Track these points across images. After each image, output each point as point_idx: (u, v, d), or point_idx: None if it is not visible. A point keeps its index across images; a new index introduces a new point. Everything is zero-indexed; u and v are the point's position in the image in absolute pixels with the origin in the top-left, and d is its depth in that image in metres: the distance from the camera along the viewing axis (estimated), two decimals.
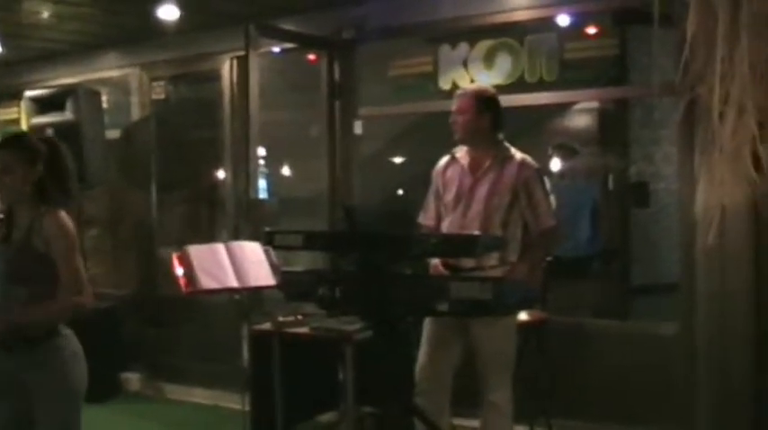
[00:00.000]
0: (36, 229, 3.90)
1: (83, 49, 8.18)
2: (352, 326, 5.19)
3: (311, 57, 7.24)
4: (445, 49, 6.57)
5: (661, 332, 5.73)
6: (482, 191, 4.94)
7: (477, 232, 4.71)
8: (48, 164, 3.99)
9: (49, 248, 3.88)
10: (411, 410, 4.34)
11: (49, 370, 3.92)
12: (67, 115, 7.43)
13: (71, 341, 4.01)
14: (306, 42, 7.01)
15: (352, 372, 5.19)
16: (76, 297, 3.92)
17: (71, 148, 6.96)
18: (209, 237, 7.01)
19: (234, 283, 5.37)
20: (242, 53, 6.58)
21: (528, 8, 6.11)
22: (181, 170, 7.88)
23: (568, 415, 5.65)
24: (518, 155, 5.00)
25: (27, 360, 3.89)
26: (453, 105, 5.05)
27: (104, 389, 7.35)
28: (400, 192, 7.46)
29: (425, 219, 5.25)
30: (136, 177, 8.04)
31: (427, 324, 5.03)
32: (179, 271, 5.32)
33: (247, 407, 5.75)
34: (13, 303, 3.83)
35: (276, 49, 7.05)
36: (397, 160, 7.27)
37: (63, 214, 3.95)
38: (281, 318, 5.66)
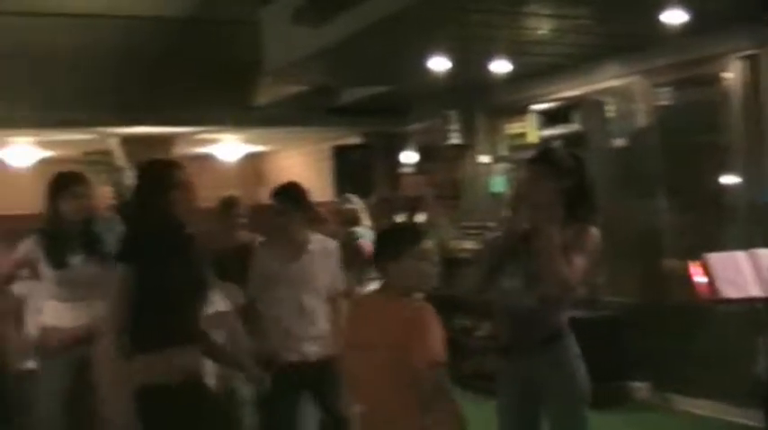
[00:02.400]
0: (574, 246, 3.97)
1: (583, 60, 8.29)
2: None
3: None
4: None
5: None
6: None
7: None
8: (575, 179, 4.07)
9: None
10: None
11: (560, 369, 4.02)
12: (574, 127, 7.63)
13: (574, 341, 4.09)
14: None
15: None
16: None
17: None
18: (717, 244, 6.73)
19: (756, 292, 5.14)
20: (750, 52, 6.33)
21: None
22: (686, 176, 7.69)
23: None
24: None
25: (539, 360, 4.00)
26: None
27: (609, 396, 7.39)
28: None
29: None
30: (641, 184, 7.99)
31: None
32: (699, 279, 5.21)
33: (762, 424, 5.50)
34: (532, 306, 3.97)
35: None
36: None
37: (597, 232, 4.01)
38: None
